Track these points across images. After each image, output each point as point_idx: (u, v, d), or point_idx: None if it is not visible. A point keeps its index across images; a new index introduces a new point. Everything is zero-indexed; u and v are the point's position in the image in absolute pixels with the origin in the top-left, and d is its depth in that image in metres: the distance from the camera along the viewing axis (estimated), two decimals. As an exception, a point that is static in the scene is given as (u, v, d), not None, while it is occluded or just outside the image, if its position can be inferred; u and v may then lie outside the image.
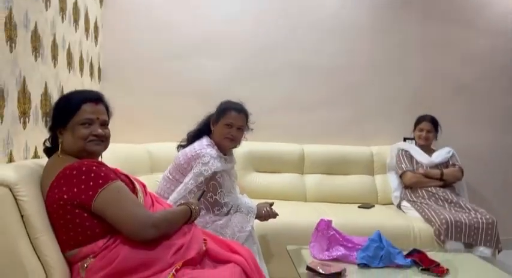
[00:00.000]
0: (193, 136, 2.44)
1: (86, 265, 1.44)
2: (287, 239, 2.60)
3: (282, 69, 3.68)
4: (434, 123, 3.47)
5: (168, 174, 2.42)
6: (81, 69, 2.93)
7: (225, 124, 2.35)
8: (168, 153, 3.19)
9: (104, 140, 1.61)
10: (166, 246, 1.50)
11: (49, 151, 1.65)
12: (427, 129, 3.43)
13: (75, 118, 1.54)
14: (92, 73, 3.20)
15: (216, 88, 3.55)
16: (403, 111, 3.75)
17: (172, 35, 3.56)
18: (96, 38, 3.29)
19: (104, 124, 1.62)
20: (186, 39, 3.58)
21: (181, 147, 2.49)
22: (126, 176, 1.65)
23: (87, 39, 3.05)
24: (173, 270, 1.44)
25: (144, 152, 3.19)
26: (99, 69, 3.43)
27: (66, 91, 2.57)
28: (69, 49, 2.64)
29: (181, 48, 3.58)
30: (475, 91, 3.84)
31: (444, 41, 3.80)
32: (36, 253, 1.43)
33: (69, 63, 2.65)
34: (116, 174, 1.56)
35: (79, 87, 2.86)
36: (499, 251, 2.86)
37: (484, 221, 2.85)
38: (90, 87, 3.16)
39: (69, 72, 2.66)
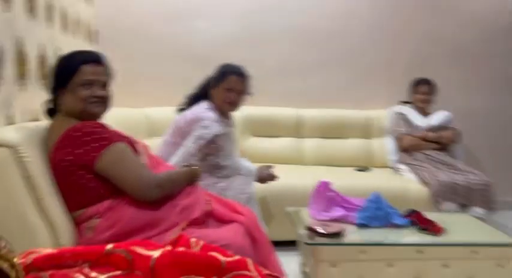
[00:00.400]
0: (193, 99, 2.43)
1: (92, 225, 1.46)
2: (286, 201, 2.63)
3: (280, 32, 3.63)
4: (432, 85, 3.47)
5: (168, 138, 2.42)
6: (77, 32, 2.87)
7: (225, 88, 2.33)
8: (166, 117, 3.18)
9: (105, 101, 1.60)
10: (171, 206, 1.52)
11: (51, 113, 1.64)
12: (425, 91, 3.44)
13: (75, 79, 1.52)
14: (87, 36, 3.14)
15: (213, 51, 3.51)
16: (399, 75, 3.73)
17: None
18: (90, -1, 3.21)
19: (105, 85, 1.60)
20: (183, 0, 3.50)
21: (180, 110, 2.48)
22: (128, 138, 1.64)
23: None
24: (179, 229, 1.46)
25: (142, 116, 3.18)
26: (95, 32, 3.36)
27: (62, 53, 2.53)
28: (64, 11, 2.57)
29: (178, 10, 3.50)
30: (472, 54, 3.81)
31: (442, 2, 3.74)
32: (42, 214, 1.44)
33: (64, 25, 2.59)
34: (120, 136, 1.55)
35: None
36: (493, 212, 2.92)
37: (480, 183, 2.90)
38: (86, 51, 3.10)
39: (65, 34, 2.60)
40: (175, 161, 2.22)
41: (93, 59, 1.58)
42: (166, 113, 3.24)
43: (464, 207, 2.91)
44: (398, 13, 3.72)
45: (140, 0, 3.45)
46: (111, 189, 1.48)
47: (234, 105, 2.38)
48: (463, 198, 2.87)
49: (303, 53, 3.67)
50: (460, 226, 2.30)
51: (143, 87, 3.47)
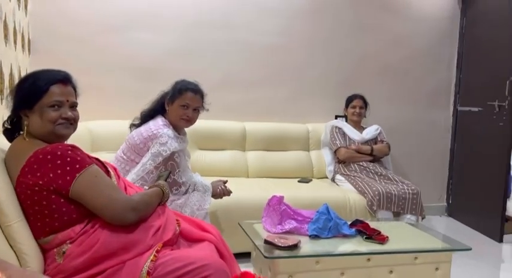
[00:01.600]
0: (147, 116, 2.41)
1: (63, 251, 1.42)
2: (236, 215, 2.70)
3: (223, 46, 3.69)
4: (364, 100, 3.73)
5: (122, 154, 2.38)
6: (15, 42, 2.72)
7: (181, 105, 2.35)
8: (110, 131, 3.14)
9: (72, 123, 1.56)
10: (144, 228, 1.52)
11: (8, 133, 1.56)
12: (359, 105, 3.69)
13: (43, 100, 1.47)
14: (23, 46, 2.98)
15: (157, 64, 3.50)
16: (335, 91, 3.96)
17: (109, 7, 3.40)
18: (26, 6, 3.04)
19: (73, 106, 1.57)
20: (123, 11, 3.44)
21: (133, 126, 2.44)
22: (98, 160, 1.61)
23: (19, 9, 2.81)
24: (154, 252, 1.46)
25: (84, 130, 3.08)
26: (29, 41, 3.19)
27: (3, 66, 2.39)
28: (5, 20, 2.43)
29: (119, 20, 3.44)
30: (399, 72, 4.15)
31: (373, 25, 4.04)
32: (9, 241, 1.37)
33: (6, 36, 2.44)
34: (90, 158, 1.53)
35: (14, 62, 2.66)
36: (422, 218, 3.21)
37: (410, 191, 3.17)
38: (23, 61, 2.94)
39: (6, 45, 2.46)
40: (131, 178, 2.19)
41: (61, 78, 1.53)
42: (110, 127, 3.19)
43: (396, 214, 3.16)
44: (334, 33, 3.95)
45: (80, 9, 3.34)
46: (84, 212, 1.45)
47: (190, 121, 2.40)
48: (397, 206, 3.12)
49: (246, 67, 3.76)
50: (399, 233, 2.51)
51: (85, 99, 3.30)
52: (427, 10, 4.15)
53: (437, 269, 2.23)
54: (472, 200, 3.99)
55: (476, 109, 3.96)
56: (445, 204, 4.36)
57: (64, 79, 1.54)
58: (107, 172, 1.58)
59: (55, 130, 1.49)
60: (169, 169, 2.22)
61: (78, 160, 1.43)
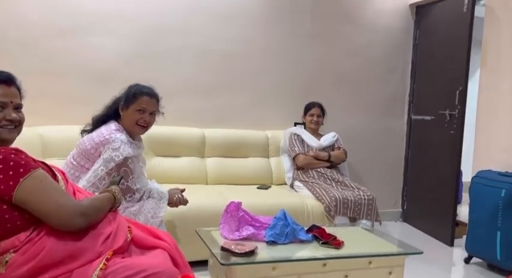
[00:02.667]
0: (99, 121, 2.34)
1: (6, 260, 1.34)
2: (193, 222, 2.66)
3: (180, 52, 3.66)
4: (322, 108, 3.79)
5: (72, 160, 2.29)
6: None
7: (136, 109, 2.30)
8: (62, 136, 3.04)
9: (17, 125, 1.50)
10: (94, 235, 1.46)
11: None
12: (317, 113, 3.75)
13: None
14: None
15: (110, 69, 3.43)
16: (293, 98, 4.01)
17: (61, 10, 3.30)
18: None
19: (18, 107, 1.50)
20: (75, 14, 3.35)
21: (85, 132, 2.37)
22: (44, 164, 1.55)
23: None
24: (104, 259, 1.41)
25: (35, 136, 2.96)
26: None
27: None
28: None
29: (71, 24, 3.34)
30: (355, 81, 4.25)
31: (330, 34, 4.13)
32: None
33: None
34: (36, 162, 1.46)
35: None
36: (380, 223, 3.27)
37: (366, 197, 3.23)
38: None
39: None
40: (82, 185, 2.11)
41: (5, 79, 1.47)
42: (62, 132, 3.09)
43: (353, 219, 3.21)
44: (292, 41, 4.00)
45: (30, 11, 3.22)
46: (28, 219, 1.38)
47: (147, 126, 2.35)
48: (353, 211, 3.17)
49: (204, 73, 3.74)
50: (354, 238, 2.55)
51: (36, 104, 3.18)
52: (382, 21, 4.28)
53: (390, 273, 2.27)
54: (426, 206, 4.12)
55: (429, 117, 4.11)
56: (400, 209, 4.48)
57: (7, 80, 1.48)
58: (54, 176, 1.51)
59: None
60: (122, 175, 2.16)
61: (22, 164, 1.37)
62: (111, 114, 2.35)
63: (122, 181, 1.97)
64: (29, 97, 3.24)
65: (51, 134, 3.04)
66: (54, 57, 3.30)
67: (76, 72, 3.36)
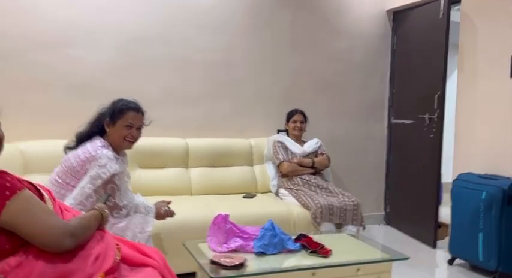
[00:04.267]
0: (84, 138, 2.31)
1: (-5, 286, 1.32)
2: (181, 235, 2.65)
3: (162, 62, 3.65)
4: (304, 115, 3.83)
5: (57, 178, 2.25)
6: None
7: (124, 125, 2.28)
8: (43, 152, 2.99)
9: None
10: (83, 256, 1.44)
11: None
12: (300, 120, 3.78)
13: None
14: None
15: (91, 81, 3.39)
16: (275, 106, 4.03)
17: (40, 22, 3.25)
18: None
19: None
20: (55, 27, 3.30)
21: (68, 148, 2.33)
22: (30, 183, 1.52)
23: None
24: (95, 281, 1.40)
25: (16, 151, 2.90)
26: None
27: None
28: None
29: (51, 36, 3.29)
30: (335, 87, 4.30)
31: (310, 41, 4.17)
32: None
33: None
34: (21, 182, 1.44)
35: None
36: (363, 228, 3.31)
37: (351, 203, 3.27)
38: None
39: None
40: (69, 203, 2.08)
41: None
42: (44, 147, 3.04)
43: (338, 226, 3.24)
44: (272, 49, 4.03)
45: (8, 24, 3.16)
46: (17, 242, 1.35)
47: (135, 142, 2.34)
48: (339, 218, 3.20)
49: (186, 83, 3.73)
50: (341, 245, 2.57)
51: (15, 119, 3.14)
52: (361, 27, 4.35)
53: (378, 279, 2.31)
54: (408, 208, 4.19)
55: (408, 121, 4.18)
56: (383, 212, 4.54)
57: None
58: (41, 196, 1.49)
59: None
60: (109, 192, 2.14)
61: (7, 187, 1.34)
62: (95, 131, 2.32)
63: (108, 199, 1.95)
64: (8, 112, 3.20)
65: (32, 150, 2.98)
66: (34, 71, 3.24)
67: (57, 85, 3.31)
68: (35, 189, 1.52)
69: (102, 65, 3.45)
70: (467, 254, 3.20)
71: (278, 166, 3.67)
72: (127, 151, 2.52)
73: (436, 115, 3.80)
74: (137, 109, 2.33)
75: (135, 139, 2.34)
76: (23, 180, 1.51)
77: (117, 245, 1.64)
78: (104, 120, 2.30)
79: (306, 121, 3.83)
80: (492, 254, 2.99)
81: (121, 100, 2.35)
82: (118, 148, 2.31)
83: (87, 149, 2.21)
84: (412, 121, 4.14)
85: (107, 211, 1.69)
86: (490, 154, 3.40)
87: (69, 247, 1.40)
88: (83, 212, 1.73)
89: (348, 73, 4.34)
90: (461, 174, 3.35)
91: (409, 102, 4.23)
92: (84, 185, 2.12)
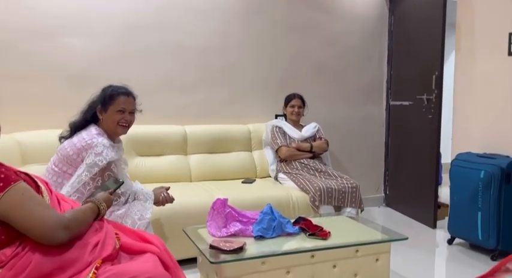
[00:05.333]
0: (78, 127, 2.30)
1: (-8, 276, 1.33)
2: (180, 221, 2.67)
3: (157, 49, 3.61)
4: (302, 99, 3.81)
5: (53, 166, 2.26)
6: None
7: (116, 110, 2.28)
8: (40, 142, 2.99)
9: None
10: (81, 246, 1.45)
11: None
12: (298, 104, 3.76)
13: None
14: None
15: (87, 70, 3.37)
16: (273, 91, 4.01)
17: (34, 11, 3.21)
18: None
19: None
20: (49, 16, 3.25)
21: (63, 138, 2.33)
22: (27, 175, 1.52)
23: None
24: (93, 268, 1.41)
25: (13, 142, 2.89)
26: None
27: None
28: None
29: (45, 25, 3.25)
30: (333, 70, 4.27)
31: (306, 25, 4.13)
32: None
33: None
34: (17, 174, 1.44)
35: None
36: (362, 210, 3.32)
37: (349, 185, 3.27)
38: None
39: None
40: (66, 191, 2.09)
41: None
42: (41, 137, 3.03)
43: (337, 208, 3.26)
44: (268, 33, 3.99)
45: (5, 15, 3.12)
46: (13, 233, 1.36)
47: (128, 126, 2.34)
48: (337, 200, 3.21)
49: (182, 69, 3.71)
50: (340, 227, 2.59)
51: (11, 109, 3.14)
52: (358, 9, 4.30)
53: (377, 260, 2.32)
54: (407, 189, 4.20)
55: (407, 103, 4.17)
56: (383, 194, 4.56)
57: None
58: (37, 188, 1.49)
59: None
60: (113, 180, 2.12)
61: (2, 178, 1.34)
62: (88, 119, 2.32)
63: (119, 187, 1.93)
64: (4, 103, 3.19)
65: (29, 140, 2.96)
66: (29, 60, 3.21)
67: (51, 74, 3.29)
68: (31, 180, 1.52)
69: (97, 53, 3.42)
70: (466, 233, 3.22)
71: (277, 151, 3.67)
72: (123, 139, 2.52)
73: (434, 95, 3.78)
74: (127, 94, 2.32)
75: (129, 123, 2.34)
76: (20, 172, 1.51)
77: (116, 234, 1.65)
78: (96, 107, 2.29)
79: (304, 105, 3.82)
80: (491, 233, 3.00)
81: (110, 86, 2.34)
82: (113, 135, 2.32)
83: (83, 137, 2.21)
84: (410, 103, 4.12)
85: (104, 204, 1.67)
86: (489, 133, 3.40)
87: (63, 240, 1.40)
88: (81, 202, 1.73)
89: (345, 56, 4.31)
90: (460, 153, 3.35)
91: (407, 83, 4.21)
92: (81, 173, 2.13)
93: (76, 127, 2.31)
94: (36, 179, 1.54)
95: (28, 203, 1.37)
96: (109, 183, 1.92)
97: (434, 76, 3.75)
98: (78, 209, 1.56)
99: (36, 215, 1.37)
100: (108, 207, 1.70)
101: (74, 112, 2.42)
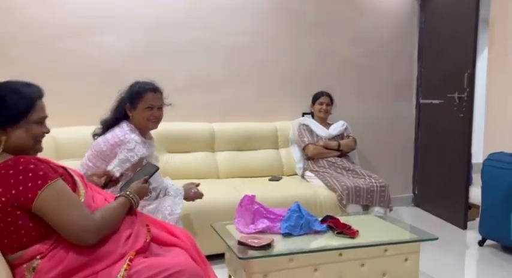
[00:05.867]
0: (110, 124, 2.36)
1: (33, 267, 1.38)
2: (209, 217, 2.70)
3: (187, 47, 3.67)
4: (330, 97, 3.79)
5: (88, 162, 2.33)
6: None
7: (146, 107, 2.32)
8: (75, 137, 3.08)
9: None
10: (115, 238, 1.50)
11: None
12: (326, 102, 3.75)
13: (32, 116, 1.49)
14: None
15: (119, 67, 3.44)
16: (300, 89, 4.00)
17: (67, 10, 3.32)
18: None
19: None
20: (83, 14, 3.36)
21: (96, 135, 2.40)
22: (64, 169, 1.58)
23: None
24: (127, 260, 1.45)
25: (48, 138, 2.95)
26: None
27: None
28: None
29: (79, 24, 3.35)
30: (361, 68, 4.24)
31: (335, 21, 4.11)
32: (-26, 259, 1.33)
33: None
34: (55, 170, 1.49)
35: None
36: (390, 210, 3.29)
37: (378, 185, 3.25)
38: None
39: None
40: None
41: (41, 93, 1.55)
42: (75, 133, 3.13)
43: (365, 207, 3.23)
44: (297, 31, 3.99)
45: (40, 14, 3.24)
46: (51, 227, 1.41)
47: (159, 121, 2.39)
48: (365, 199, 3.19)
49: (210, 67, 3.75)
50: (369, 226, 2.57)
51: (49, 106, 3.23)
52: (387, 5, 4.25)
53: (406, 260, 2.30)
54: (437, 189, 4.13)
55: (437, 101, 4.09)
56: (412, 194, 4.49)
57: (41, 93, 1.56)
58: (74, 182, 1.54)
59: (36, 146, 1.53)
60: (150, 164, 2.13)
61: (41, 176, 1.39)
62: (118, 116, 2.37)
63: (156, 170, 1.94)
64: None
65: (64, 136, 3.07)
66: (63, 58, 3.33)
67: (86, 72, 3.39)
68: (68, 175, 1.57)
69: (128, 51, 3.50)
70: (498, 234, 3.15)
71: (304, 149, 3.67)
72: (154, 135, 2.57)
73: (465, 94, 3.70)
74: (154, 90, 2.37)
75: (158, 119, 2.39)
76: (58, 166, 1.56)
77: (147, 225, 1.69)
78: (125, 105, 2.34)
79: (332, 103, 3.80)
80: (524, 235, 2.93)
81: (137, 83, 2.39)
82: (144, 131, 2.37)
83: (116, 134, 2.27)
84: (441, 101, 4.04)
85: (137, 196, 1.69)
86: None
87: (93, 243, 1.43)
88: (112, 202, 1.75)
89: (374, 53, 4.26)
90: (492, 153, 3.27)
91: (438, 81, 4.13)
92: (113, 168, 2.18)
93: (108, 125, 2.37)
94: (72, 173, 1.59)
95: (62, 204, 1.41)
96: (146, 168, 1.92)
97: (466, 75, 3.67)
98: (109, 208, 1.56)
99: (67, 218, 1.40)
100: (143, 196, 1.73)
101: (105, 108, 2.48)
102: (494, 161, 3.18)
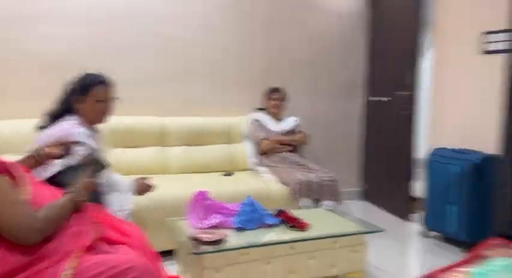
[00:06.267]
0: (56, 116, 2.26)
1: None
2: (160, 213, 2.67)
3: (135, 40, 3.58)
4: (283, 93, 3.83)
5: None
6: None
7: (96, 100, 2.24)
8: (17, 131, 2.93)
9: None
10: (59, 236, 1.44)
11: None
12: (279, 98, 3.79)
13: None
14: None
15: (63, 59, 3.32)
16: (254, 84, 4.01)
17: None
18: None
19: None
20: (24, 2, 3.19)
21: (42, 128, 2.28)
22: (4, 166, 1.49)
23: None
24: (75, 257, 1.40)
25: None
26: None
27: None
28: None
29: (20, 12, 3.19)
30: (313, 65, 4.30)
31: (288, 20, 4.14)
32: None
33: None
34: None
35: None
36: (340, 204, 3.37)
37: (328, 179, 3.32)
38: None
39: None
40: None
41: None
42: (17, 127, 2.97)
43: (316, 201, 3.29)
44: (252, 28, 4.00)
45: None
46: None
47: (108, 115, 2.31)
48: (316, 193, 3.25)
49: (164, 61, 3.68)
50: (319, 220, 2.62)
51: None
52: (338, 5, 4.34)
53: (354, 251, 2.37)
54: (383, 184, 4.28)
55: (385, 99, 4.23)
56: (361, 188, 4.63)
57: None
58: (14, 179, 1.46)
59: None
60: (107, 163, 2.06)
61: None
62: (66, 108, 2.27)
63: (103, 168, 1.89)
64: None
65: (4, 129, 2.91)
66: (2, 48, 3.15)
67: (27, 63, 3.23)
68: (7, 171, 1.47)
69: (75, 42, 3.37)
70: (440, 226, 3.31)
71: (257, 144, 3.69)
72: (103, 129, 2.49)
73: (410, 92, 3.85)
74: (106, 83, 2.29)
75: (108, 112, 2.31)
76: (2, 162, 1.47)
77: (95, 223, 1.63)
78: (72, 97, 2.25)
79: (284, 99, 3.84)
80: (465, 226, 3.09)
81: (87, 75, 2.28)
82: (92, 124, 2.28)
83: (64, 127, 2.17)
84: (389, 98, 4.19)
85: (84, 193, 1.64)
86: (463, 129, 3.49)
87: (36, 242, 1.38)
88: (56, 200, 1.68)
89: (325, 52, 4.34)
90: (437, 148, 3.43)
91: (386, 79, 4.27)
92: (60, 162, 2.09)
93: (54, 117, 2.26)
94: (15, 169, 1.51)
95: (1, 204, 1.35)
96: (94, 162, 1.88)
97: (411, 72, 3.82)
98: (54, 205, 1.51)
99: (8, 218, 1.35)
100: (90, 191, 1.68)
101: (48, 101, 2.35)
102: (438, 156, 3.33)
